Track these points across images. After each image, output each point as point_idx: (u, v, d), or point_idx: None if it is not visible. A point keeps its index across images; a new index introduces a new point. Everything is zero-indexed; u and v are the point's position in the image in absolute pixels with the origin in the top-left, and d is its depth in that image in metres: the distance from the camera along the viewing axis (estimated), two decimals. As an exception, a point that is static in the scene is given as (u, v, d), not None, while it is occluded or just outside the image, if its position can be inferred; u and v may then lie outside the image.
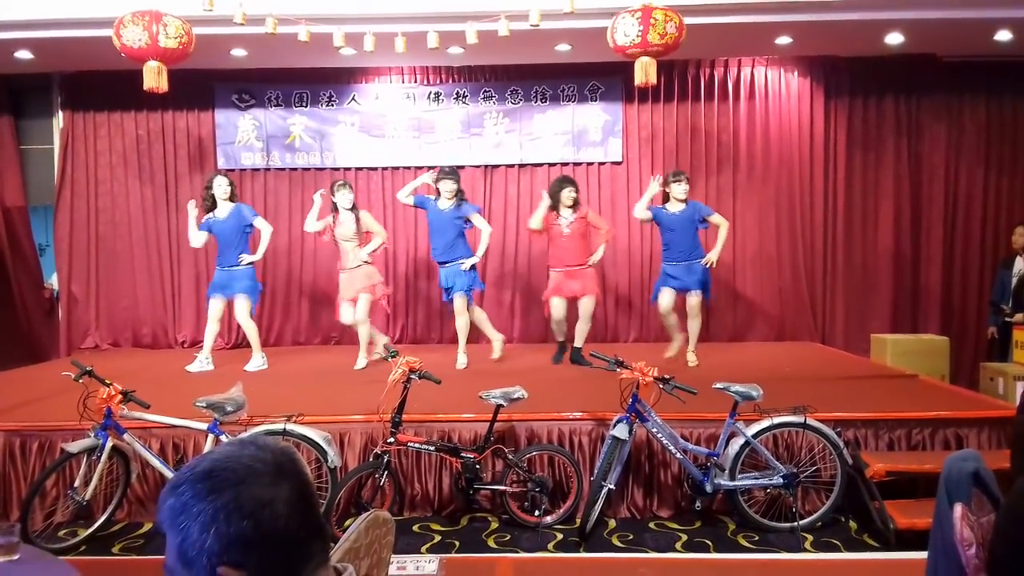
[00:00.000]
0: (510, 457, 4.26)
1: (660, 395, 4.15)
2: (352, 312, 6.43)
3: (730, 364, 6.43)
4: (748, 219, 8.02)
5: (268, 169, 8.12)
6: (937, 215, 8.00)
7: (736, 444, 4.16)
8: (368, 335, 6.46)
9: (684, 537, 4.13)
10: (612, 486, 4.08)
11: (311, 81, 7.95)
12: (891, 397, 5.08)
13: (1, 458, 4.47)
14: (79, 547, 4.09)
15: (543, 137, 8.03)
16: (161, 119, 8.06)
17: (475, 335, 7.01)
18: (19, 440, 4.50)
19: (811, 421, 4.18)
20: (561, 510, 4.30)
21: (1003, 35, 6.83)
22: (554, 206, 6.40)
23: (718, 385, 4.21)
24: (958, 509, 2.08)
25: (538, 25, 5.71)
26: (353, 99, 8.06)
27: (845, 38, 6.99)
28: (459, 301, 6.35)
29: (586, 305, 6.40)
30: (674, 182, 6.28)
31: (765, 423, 4.20)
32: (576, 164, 8.05)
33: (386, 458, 4.13)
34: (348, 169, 8.10)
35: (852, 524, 4.26)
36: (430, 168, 7.81)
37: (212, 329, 6.52)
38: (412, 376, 4.19)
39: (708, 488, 4.12)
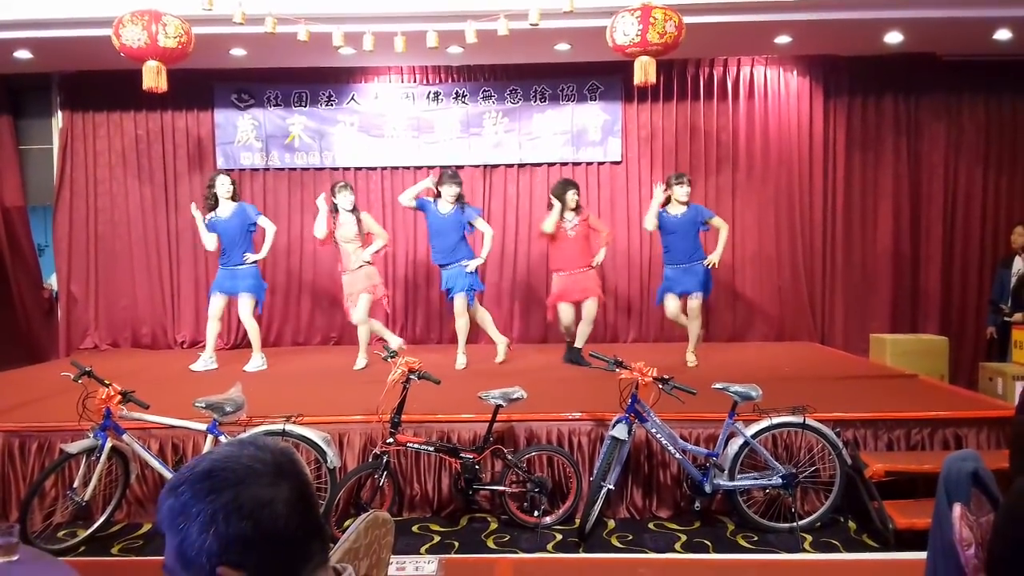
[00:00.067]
0: (509, 457, 4.26)
1: (659, 395, 4.14)
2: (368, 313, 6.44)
3: (729, 364, 6.43)
4: (747, 219, 8.03)
5: (267, 169, 8.11)
6: (936, 214, 8.00)
7: (735, 444, 4.16)
8: (367, 335, 6.46)
9: (683, 537, 4.13)
10: (611, 486, 4.08)
11: (310, 81, 7.95)
12: (890, 397, 5.08)
13: (0, 458, 4.47)
14: (78, 548, 4.08)
15: (542, 137, 8.03)
16: (160, 119, 8.06)
17: (475, 336, 7.02)
18: (18, 441, 4.50)
19: (810, 421, 4.18)
20: (560, 510, 4.30)
21: (1002, 34, 6.84)
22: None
23: (717, 385, 4.21)
24: (957, 509, 2.08)
25: (537, 24, 5.71)
26: (352, 99, 8.06)
27: (844, 37, 6.99)
28: (459, 302, 6.35)
29: (589, 308, 6.41)
30: (676, 184, 6.28)
31: (764, 423, 4.20)
32: (575, 164, 8.05)
33: (385, 458, 4.13)
34: (347, 169, 8.10)
35: (851, 524, 4.26)
36: (430, 168, 7.86)
37: (213, 327, 6.52)
38: (411, 376, 4.19)
39: (707, 488, 4.12)
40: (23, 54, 6.99)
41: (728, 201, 8.00)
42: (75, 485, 4.03)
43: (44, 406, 5.03)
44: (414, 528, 4.29)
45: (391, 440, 4.15)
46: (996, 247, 7.89)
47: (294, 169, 8.13)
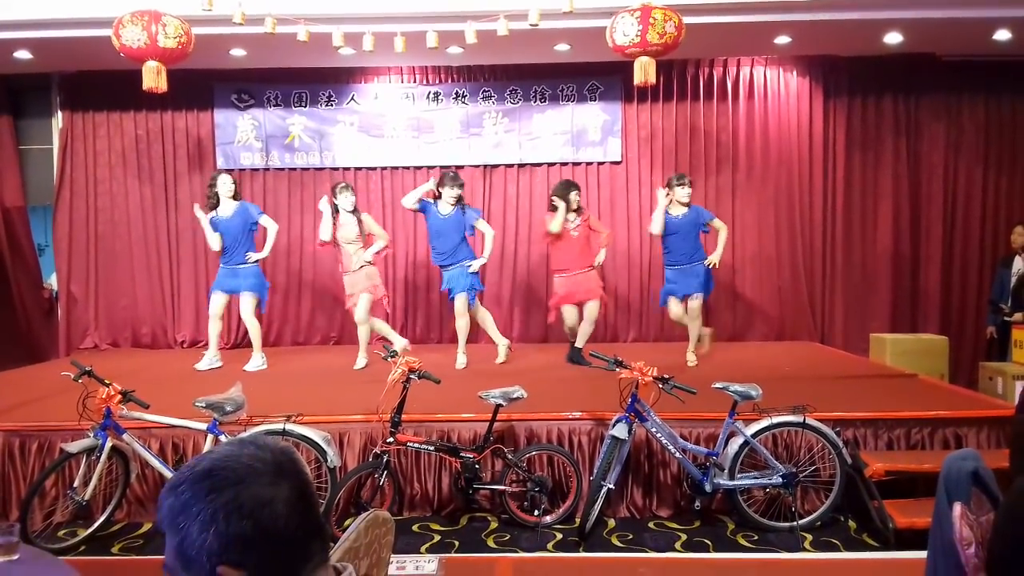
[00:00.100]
0: (509, 457, 4.26)
1: (659, 395, 4.15)
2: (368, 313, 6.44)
3: (729, 364, 6.43)
4: (747, 219, 8.03)
5: (267, 169, 8.11)
6: (936, 214, 8.00)
7: (735, 444, 4.17)
8: (367, 335, 6.46)
9: (683, 537, 4.14)
10: (611, 486, 4.09)
11: (310, 81, 7.95)
12: (890, 396, 5.08)
13: (0, 458, 4.47)
14: (78, 547, 4.09)
15: (542, 137, 8.03)
16: (160, 119, 8.06)
17: (475, 336, 7.02)
18: (18, 440, 4.50)
19: (810, 421, 4.19)
20: (560, 510, 4.30)
21: (1002, 34, 6.84)
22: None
23: (717, 385, 4.21)
24: (957, 508, 2.08)
25: (537, 25, 5.71)
26: (352, 99, 8.06)
27: (844, 37, 6.99)
28: (460, 302, 6.36)
29: (591, 308, 6.42)
30: (678, 185, 6.28)
31: (764, 423, 4.20)
32: (575, 164, 8.05)
33: (385, 458, 4.13)
34: (347, 169, 8.10)
35: (851, 524, 4.26)
36: (430, 168, 7.88)
37: (215, 326, 6.52)
38: (411, 376, 4.19)
39: (707, 488, 4.13)
40: (23, 54, 6.99)
41: (728, 201, 8.00)
42: (75, 484, 4.03)
43: (44, 406, 5.03)
44: (414, 527, 4.29)
45: (391, 439, 4.15)
46: (996, 247, 7.89)
47: (294, 169, 8.13)
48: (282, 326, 8.17)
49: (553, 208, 6.40)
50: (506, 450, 4.32)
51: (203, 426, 4.07)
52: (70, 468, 4.16)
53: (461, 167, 7.85)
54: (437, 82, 8.05)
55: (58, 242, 8.14)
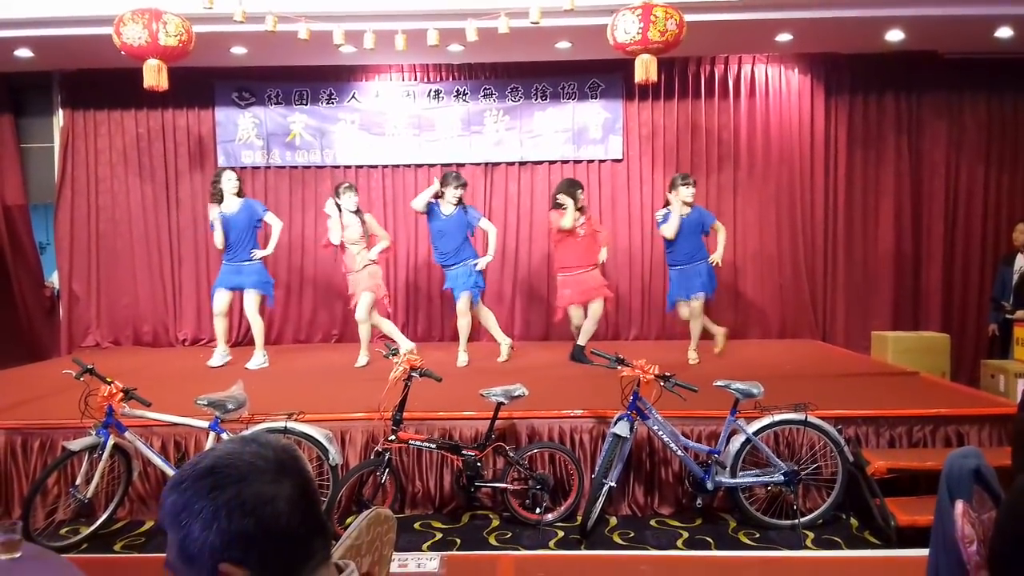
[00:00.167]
0: (511, 455, 4.26)
1: (661, 393, 4.15)
2: (374, 310, 6.44)
3: (731, 361, 6.43)
4: (749, 216, 8.02)
5: (268, 167, 8.11)
6: (938, 212, 7.99)
7: (737, 441, 4.17)
8: (369, 333, 6.47)
9: (685, 535, 4.14)
10: (613, 484, 4.08)
11: (311, 79, 7.94)
12: (892, 394, 5.08)
13: (3, 456, 4.48)
14: (81, 545, 4.10)
15: (543, 135, 8.02)
16: (161, 117, 8.06)
17: (476, 334, 7.02)
18: (20, 438, 4.50)
19: (812, 418, 4.19)
20: (562, 508, 4.30)
21: (1004, 32, 6.82)
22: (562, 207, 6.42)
23: (719, 383, 4.21)
24: (959, 506, 2.08)
25: (538, 22, 5.70)
26: (353, 97, 8.05)
27: (846, 35, 6.98)
28: (462, 301, 6.36)
29: (596, 307, 6.42)
30: (683, 185, 6.28)
31: (766, 420, 4.20)
32: (576, 162, 8.05)
33: (387, 456, 4.13)
34: (348, 167, 8.10)
35: (853, 521, 4.26)
36: (431, 166, 7.90)
37: (220, 324, 6.53)
38: (413, 374, 4.19)
39: (709, 485, 4.13)
40: (24, 53, 6.99)
41: (729, 199, 8.00)
42: (77, 482, 4.04)
43: (46, 404, 5.04)
44: (416, 525, 4.30)
45: (393, 437, 4.15)
46: (998, 244, 7.88)
47: (295, 167, 8.13)
48: (283, 324, 8.18)
49: (557, 206, 6.40)
50: (508, 448, 4.33)
51: (205, 424, 4.08)
52: (72, 466, 4.16)
53: (462, 165, 7.85)
54: (438, 80, 8.04)
55: (59, 240, 8.15)
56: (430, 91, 8.02)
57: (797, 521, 4.11)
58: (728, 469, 4.14)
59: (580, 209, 6.44)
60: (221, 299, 6.45)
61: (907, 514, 3.92)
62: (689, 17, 5.60)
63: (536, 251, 8.07)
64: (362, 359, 6.38)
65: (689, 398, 4.14)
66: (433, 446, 4.27)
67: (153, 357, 7.35)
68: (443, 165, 7.83)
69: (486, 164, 8.08)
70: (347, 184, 6.48)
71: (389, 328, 6.53)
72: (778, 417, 4.20)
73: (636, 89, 7.70)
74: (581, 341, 6.45)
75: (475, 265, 6.35)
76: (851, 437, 4.41)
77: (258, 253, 6.44)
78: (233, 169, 6.77)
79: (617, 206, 8.05)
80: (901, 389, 5.32)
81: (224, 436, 3.99)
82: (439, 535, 4.17)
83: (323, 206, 6.63)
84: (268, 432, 3.87)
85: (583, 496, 4.26)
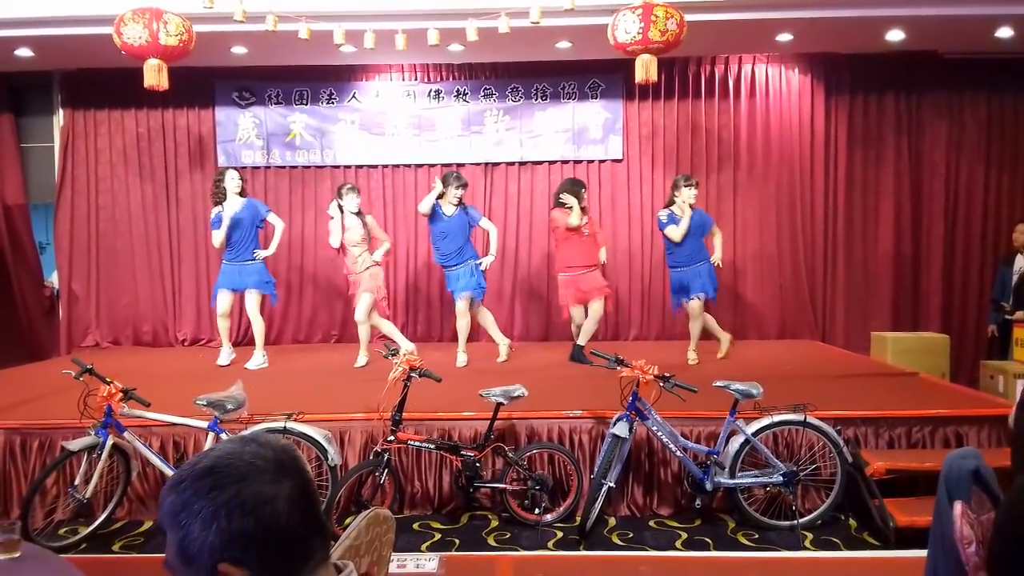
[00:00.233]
0: (510, 455, 4.26)
1: (660, 393, 4.15)
2: (374, 311, 6.44)
3: (730, 362, 6.43)
4: (749, 216, 8.02)
5: (268, 167, 8.11)
6: (938, 212, 7.99)
7: (736, 442, 4.17)
8: (368, 333, 6.47)
9: (684, 535, 4.14)
10: (612, 484, 4.09)
11: (311, 79, 7.94)
12: (891, 395, 5.08)
13: (1, 456, 4.48)
14: (79, 545, 4.09)
15: (544, 135, 8.02)
16: (161, 117, 8.06)
17: (475, 334, 7.02)
18: (19, 438, 4.50)
19: (811, 419, 4.19)
20: (561, 508, 4.30)
21: (1004, 32, 6.83)
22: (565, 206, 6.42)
23: (718, 383, 4.21)
24: (958, 507, 2.08)
25: (539, 22, 5.70)
26: (353, 97, 8.05)
27: (846, 35, 6.98)
28: (462, 302, 6.37)
29: (596, 307, 6.43)
30: (686, 186, 6.30)
31: (765, 421, 4.20)
32: (576, 162, 8.05)
33: (386, 456, 4.13)
34: (348, 167, 8.10)
35: (852, 522, 4.26)
36: (431, 166, 7.90)
37: (224, 324, 6.53)
38: (412, 374, 4.19)
39: (708, 486, 4.13)
40: (24, 52, 6.99)
41: (729, 199, 8.00)
42: (76, 482, 4.04)
43: (45, 404, 5.04)
44: (415, 526, 4.30)
45: (392, 438, 4.15)
46: (997, 245, 7.88)
47: (295, 167, 8.12)
48: (283, 324, 8.17)
49: (560, 205, 6.40)
50: (507, 448, 4.33)
51: (204, 424, 4.08)
52: (71, 466, 4.16)
53: (462, 165, 7.85)
54: (438, 80, 8.04)
55: (59, 240, 8.15)
56: (430, 91, 8.02)
57: (796, 522, 4.11)
58: (727, 470, 4.13)
59: (583, 209, 6.46)
60: (224, 300, 6.44)
61: (906, 515, 3.92)
62: (689, 17, 5.61)
63: (536, 251, 8.07)
64: (361, 359, 6.38)
65: (688, 399, 4.14)
66: (432, 446, 4.27)
67: (152, 357, 7.35)
68: (443, 165, 7.83)
69: (486, 164, 8.08)
70: (349, 185, 6.47)
71: (389, 329, 6.53)
72: (777, 418, 4.20)
73: (636, 89, 7.70)
74: (581, 341, 6.45)
75: (478, 265, 6.36)
76: (850, 438, 4.41)
77: (261, 253, 6.44)
78: (236, 168, 6.76)
79: (617, 206, 8.05)
80: (900, 390, 5.32)
81: (223, 436, 3.99)
82: (438, 535, 4.17)
83: (323, 206, 6.65)
84: (267, 432, 3.89)
85: (582, 497, 4.25)
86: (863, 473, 4.17)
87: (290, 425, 4.08)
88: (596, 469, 4.09)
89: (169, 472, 4.09)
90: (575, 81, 7.96)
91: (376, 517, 1.77)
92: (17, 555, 2.22)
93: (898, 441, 4.51)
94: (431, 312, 8.12)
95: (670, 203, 6.43)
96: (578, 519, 4.10)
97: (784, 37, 7.06)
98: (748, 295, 8.07)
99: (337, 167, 8.09)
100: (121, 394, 4.00)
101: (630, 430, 4.04)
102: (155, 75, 5.63)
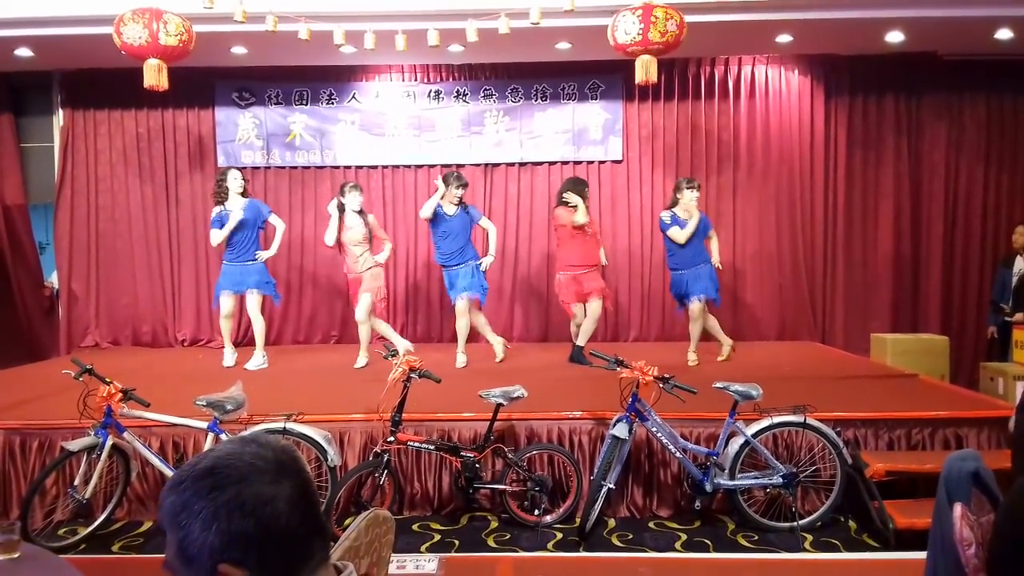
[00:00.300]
0: (510, 456, 4.26)
1: (660, 394, 4.15)
2: (369, 312, 6.45)
3: (730, 363, 6.44)
4: (748, 217, 8.02)
5: (268, 167, 8.11)
6: (937, 214, 8.00)
7: (736, 443, 4.16)
8: (368, 334, 6.47)
9: (683, 536, 4.14)
10: (612, 485, 4.09)
11: (311, 79, 7.94)
12: (891, 397, 5.08)
13: (1, 456, 4.47)
14: (79, 545, 4.09)
15: (543, 135, 8.02)
16: (161, 117, 8.05)
17: (475, 335, 7.01)
18: (19, 439, 4.50)
19: (811, 421, 4.18)
20: (561, 509, 4.30)
21: (1004, 33, 6.83)
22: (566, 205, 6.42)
23: (718, 384, 4.21)
24: (958, 509, 2.08)
25: (538, 23, 5.70)
26: (353, 97, 8.05)
27: (845, 36, 6.99)
28: (462, 303, 6.37)
29: (595, 307, 6.43)
30: (687, 188, 6.32)
31: (765, 422, 4.20)
32: (576, 163, 8.05)
33: (386, 457, 4.13)
34: (348, 167, 8.10)
35: (852, 524, 4.26)
36: (431, 167, 7.89)
37: (227, 325, 6.54)
38: (412, 375, 4.19)
39: (708, 487, 4.13)
40: (24, 52, 6.98)
41: (729, 200, 8.00)
42: (76, 483, 4.03)
43: (45, 404, 5.04)
44: (414, 526, 4.29)
45: (392, 439, 4.15)
46: (997, 246, 7.89)
47: (295, 167, 8.12)
48: (283, 324, 8.17)
49: (563, 203, 6.40)
50: (506, 449, 4.32)
51: (204, 425, 4.07)
52: (71, 466, 4.16)
53: (462, 166, 7.84)
54: (438, 80, 8.05)
55: (59, 240, 8.14)
56: (430, 91, 8.02)
57: (796, 523, 4.10)
58: (727, 471, 4.13)
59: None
60: (227, 302, 6.44)
61: (906, 517, 3.92)
62: (689, 18, 5.61)
63: (536, 251, 8.07)
64: (361, 360, 6.37)
65: (688, 400, 4.14)
66: (432, 447, 4.27)
67: (152, 357, 7.34)
68: (443, 166, 7.83)
69: (486, 165, 8.08)
70: (352, 184, 6.47)
71: (385, 330, 6.53)
72: (777, 419, 4.20)
73: (636, 90, 7.70)
74: (580, 342, 6.45)
75: (479, 265, 6.36)
76: (850, 439, 4.41)
77: (262, 255, 6.44)
78: (238, 168, 6.76)
79: (617, 207, 8.05)
80: (900, 391, 5.32)
81: (223, 437, 3.98)
82: (437, 536, 4.17)
83: (323, 207, 6.65)
84: (267, 433, 3.88)
85: (582, 498, 4.25)
86: (863, 475, 4.17)
87: (290, 426, 4.07)
88: (596, 470, 4.09)
89: (169, 473, 4.08)
90: (575, 82, 7.96)
91: (376, 518, 1.77)
92: (16, 555, 2.22)
93: (898, 443, 4.51)
94: (431, 313, 8.12)
95: (672, 205, 6.44)
96: (578, 520, 4.10)
97: (784, 38, 7.07)
98: (747, 296, 8.07)
99: (337, 168, 8.09)
100: (121, 394, 3.99)
101: (630, 431, 4.04)
102: (155, 75, 5.63)
